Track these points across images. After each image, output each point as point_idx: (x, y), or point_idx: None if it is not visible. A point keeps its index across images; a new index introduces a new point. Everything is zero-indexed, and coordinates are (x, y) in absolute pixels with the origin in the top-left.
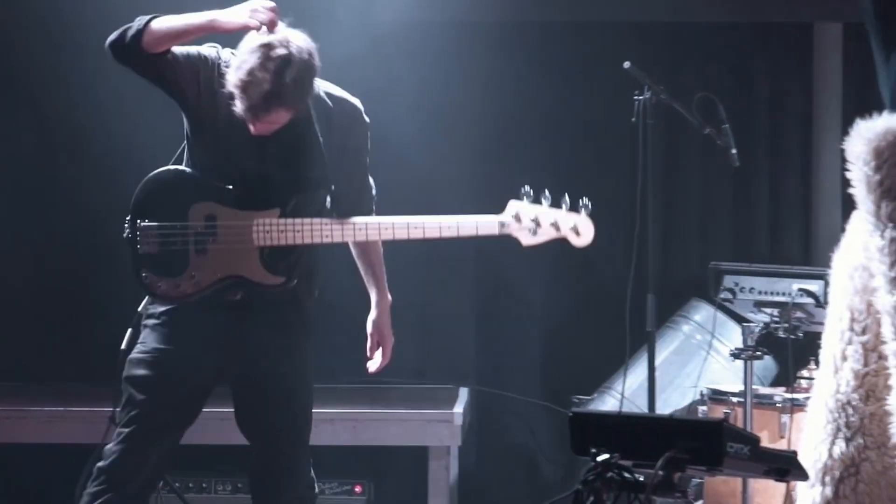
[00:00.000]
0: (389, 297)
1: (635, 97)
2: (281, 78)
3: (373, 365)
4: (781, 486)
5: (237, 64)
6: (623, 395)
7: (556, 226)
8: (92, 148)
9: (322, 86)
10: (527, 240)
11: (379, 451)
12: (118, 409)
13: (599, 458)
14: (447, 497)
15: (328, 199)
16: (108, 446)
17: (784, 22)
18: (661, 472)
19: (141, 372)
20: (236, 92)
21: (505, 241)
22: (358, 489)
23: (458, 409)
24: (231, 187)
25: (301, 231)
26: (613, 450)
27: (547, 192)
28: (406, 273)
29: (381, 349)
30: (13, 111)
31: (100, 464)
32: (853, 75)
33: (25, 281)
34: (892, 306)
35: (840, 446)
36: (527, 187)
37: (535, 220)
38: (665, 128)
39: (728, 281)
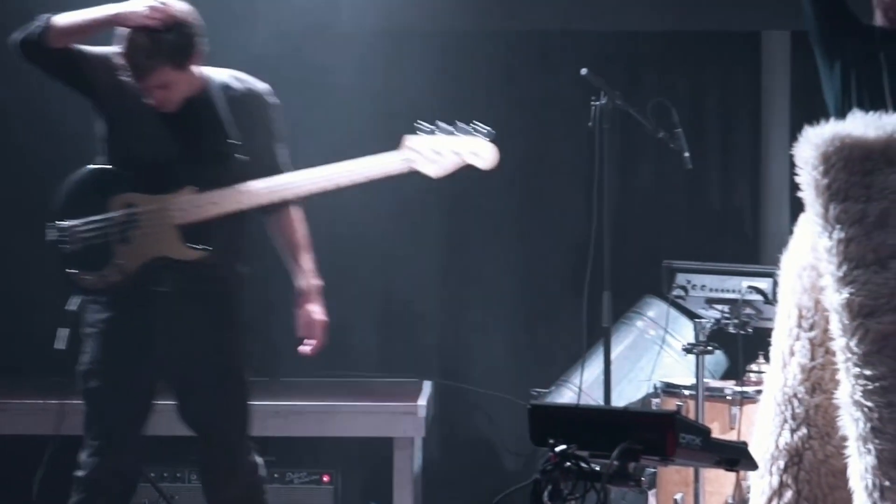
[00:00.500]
0: (315, 281)
1: (592, 103)
2: (158, 34)
3: (305, 349)
4: (732, 476)
5: (122, 36)
6: (580, 388)
7: (456, 153)
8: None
9: (231, 72)
10: (434, 171)
11: (346, 442)
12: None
13: (557, 449)
14: (411, 486)
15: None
16: (83, 457)
17: (733, 31)
18: (616, 463)
19: (94, 384)
20: (124, 60)
21: (468, 239)
22: (326, 479)
23: (422, 401)
24: (144, 173)
25: (213, 204)
26: (571, 441)
27: (439, 122)
28: (369, 268)
29: (313, 334)
30: None
31: (79, 474)
32: (800, 82)
33: None
34: (840, 305)
35: (786, 437)
36: (421, 122)
37: (435, 150)
38: (620, 132)
39: (680, 279)
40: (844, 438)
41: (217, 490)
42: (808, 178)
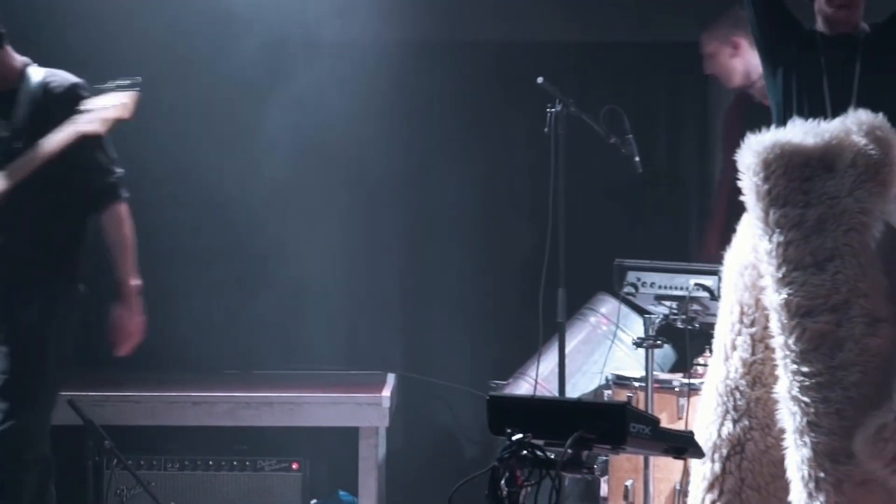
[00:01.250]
0: (134, 281)
1: (548, 109)
2: None
3: (116, 350)
4: (680, 463)
5: None
6: (536, 380)
7: (104, 108)
8: None
9: (47, 70)
10: (101, 129)
11: (314, 431)
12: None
13: (514, 438)
14: (376, 473)
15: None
16: None
17: (682, 41)
18: (570, 451)
19: None
20: None
21: (430, 239)
22: (295, 466)
23: (387, 392)
24: None
25: None
26: (527, 430)
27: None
28: (335, 268)
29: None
30: None
31: None
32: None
33: None
34: (779, 304)
35: (728, 427)
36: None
37: (89, 110)
38: (575, 137)
39: (631, 276)
40: (783, 430)
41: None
42: (749, 183)
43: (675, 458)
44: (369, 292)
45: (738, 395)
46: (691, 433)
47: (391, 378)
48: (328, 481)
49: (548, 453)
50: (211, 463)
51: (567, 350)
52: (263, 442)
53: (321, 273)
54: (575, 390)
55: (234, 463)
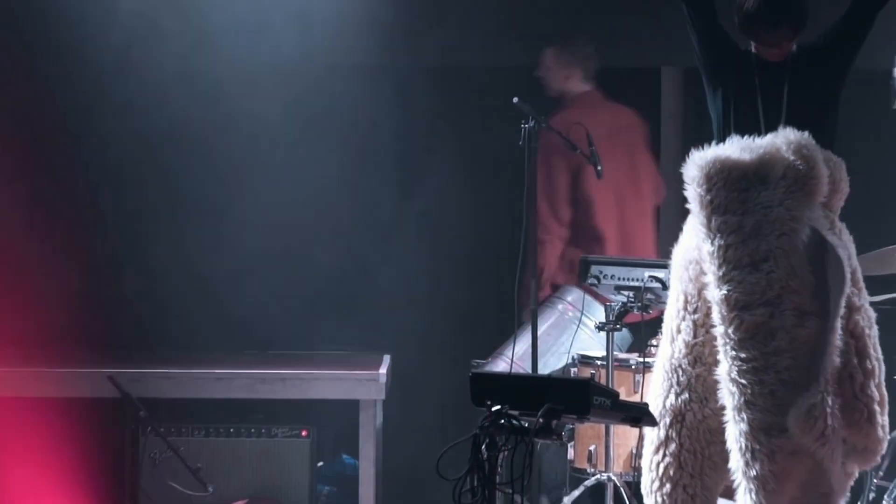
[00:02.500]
0: None
1: (522, 125)
2: None
3: None
4: (636, 430)
5: None
6: (512, 359)
7: None
8: None
9: None
10: None
11: (320, 403)
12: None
13: (493, 409)
14: (374, 440)
15: None
16: None
17: (637, 67)
18: (541, 420)
19: None
20: None
21: (424, 240)
22: (304, 433)
23: (383, 370)
24: None
25: None
26: (504, 402)
27: None
28: (339, 261)
29: None
30: None
31: None
32: (692, 110)
33: None
34: (720, 298)
35: (671, 400)
36: None
37: None
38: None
39: (594, 270)
40: (719, 404)
41: None
42: (693, 193)
43: (632, 426)
44: (367, 283)
45: (680, 373)
46: (646, 405)
47: (387, 358)
48: (333, 447)
49: (522, 422)
50: (231, 430)
51: (539, 333)
52: (277, 412)
53: (329, 269)
54: (545, 368)
55: (252, 430)
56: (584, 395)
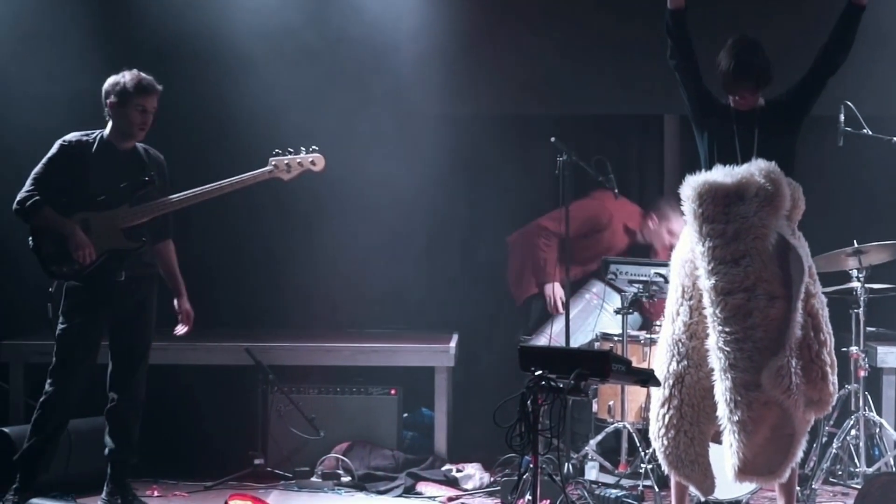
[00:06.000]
0: (185, 300)
1: (558, 158)
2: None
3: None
4: (644, 390)
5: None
6: (550, 336)
7: (301, 164)
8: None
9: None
10: (286, 177)
11: (405, 369)
12: None
13: (536, 374)
14: (446, 397)
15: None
16: (47, 386)
17: (646, 114)
18: (572, 381)
19: (68, 340)
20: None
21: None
22: (393, 392)
23: (452, 344)
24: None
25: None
26: (545, 368)
27: (289, 148)
28: (421, 263)
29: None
30: None
31: (42, 398)
32: (689, 149)
33: None
34: (710, 287)
35: (673, 366)
36: (276, 151)
37: (287, 164)
38: (576, 177)
39: (613, 268)
40: (710, 368)
41: (118, 402)
42: (688, 208)
43: (642, 386)
44: (440, 273)
45: (680, 345)
46: (652, 370)
47: (455, 335)
48: (414, 402)
49: (558, 383)
50: (338, 390)
51: (571, 316)
52: (373, 376)
53: (413, 267)
54: (576, 343)
55: (353, 390)
56: (605, 363)
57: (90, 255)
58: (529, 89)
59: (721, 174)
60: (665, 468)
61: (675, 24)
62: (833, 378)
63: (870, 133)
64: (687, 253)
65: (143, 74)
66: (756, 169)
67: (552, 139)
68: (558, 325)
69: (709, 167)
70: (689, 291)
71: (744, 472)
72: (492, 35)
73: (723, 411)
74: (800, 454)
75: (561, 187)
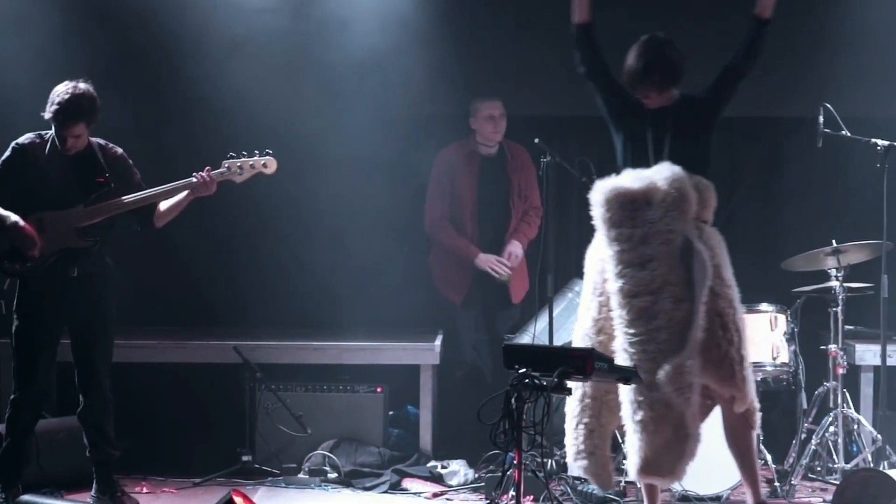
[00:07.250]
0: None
1: (542, 160)
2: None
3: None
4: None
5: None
6: (534, 334)
7: (252, 166)
8: None
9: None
10: (238, 179)
11: (391, 367)
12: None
13: (520, 371)
14: (431, 395)
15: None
16: (13, 387)
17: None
18: (556, 379)
19: (23, 339)
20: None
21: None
22: (379, 390)
23: (437, 342)
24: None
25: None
26: (528, 366)
27: (244, 152)
28: (407, 264)
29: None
30: None
31: (11, 397)
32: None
33: None
34: (617, 289)
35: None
36: (231, 154)
37: (240, 166)
38: (559, 177)
39: None
40: None
41: (85, 405)
42: (597, 212)
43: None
44: (414, 270)
45: (588, 340)
46: (634, 368)
47: (440, 333)
48: (400, 400)
49: (542, 381)
50: (325, 387)
51: (554, 315)
52: (359, 374)
53: (397, 266)
54: (559, 341)
55: (340, 388)
56: (587, 361)
57: (37, 247)
58: (515, 90)
59: (630, 179)
60: (568, 458)
61: (584, 36)
62: (744, 374)
63: (848, 134)
64: (599, 253)
65: (71, 97)
66: (660, 177)
67: (536, 140)
68: (542, 324)
69: (623, 165)
70: (598, 289)
71: (644, 471)
72: (478, 35)
73: (626, 410)
74: (694, 454)
75: (545, 188)
